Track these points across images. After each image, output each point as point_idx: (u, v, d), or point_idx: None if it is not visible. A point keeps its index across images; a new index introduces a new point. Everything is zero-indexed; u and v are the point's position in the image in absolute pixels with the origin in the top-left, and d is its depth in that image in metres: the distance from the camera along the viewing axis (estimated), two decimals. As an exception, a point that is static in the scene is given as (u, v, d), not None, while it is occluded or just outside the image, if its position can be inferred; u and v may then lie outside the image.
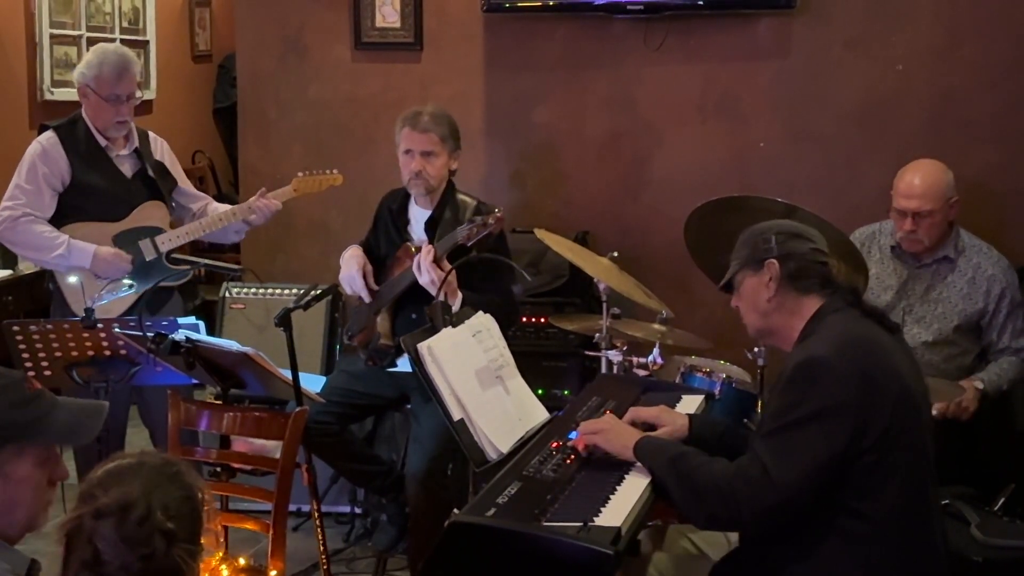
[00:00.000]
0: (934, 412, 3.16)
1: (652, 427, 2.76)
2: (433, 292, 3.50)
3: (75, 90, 4.01)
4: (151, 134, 4.19)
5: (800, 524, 2.41)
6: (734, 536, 2.73)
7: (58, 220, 3.97)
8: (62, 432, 1.95)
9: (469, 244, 3.53)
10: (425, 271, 3.59)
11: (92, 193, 3.98)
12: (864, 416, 2.37)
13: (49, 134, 4.00)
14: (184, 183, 4.25)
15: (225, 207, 4.20)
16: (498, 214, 3.56)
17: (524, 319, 4.43)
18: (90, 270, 3.89)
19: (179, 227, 4.09)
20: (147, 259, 3.98)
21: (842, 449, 2.36)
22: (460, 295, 3.60)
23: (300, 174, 4.18)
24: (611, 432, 2.64)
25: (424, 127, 3.79)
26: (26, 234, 3.93)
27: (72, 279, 3.86)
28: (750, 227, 2.69)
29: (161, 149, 4.18)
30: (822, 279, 2.57)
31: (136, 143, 4.06)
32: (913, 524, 2.45)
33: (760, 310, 2.61)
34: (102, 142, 3.99)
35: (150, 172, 4.06)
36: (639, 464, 2.58)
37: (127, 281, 3.87)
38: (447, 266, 3.55)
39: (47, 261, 3.97)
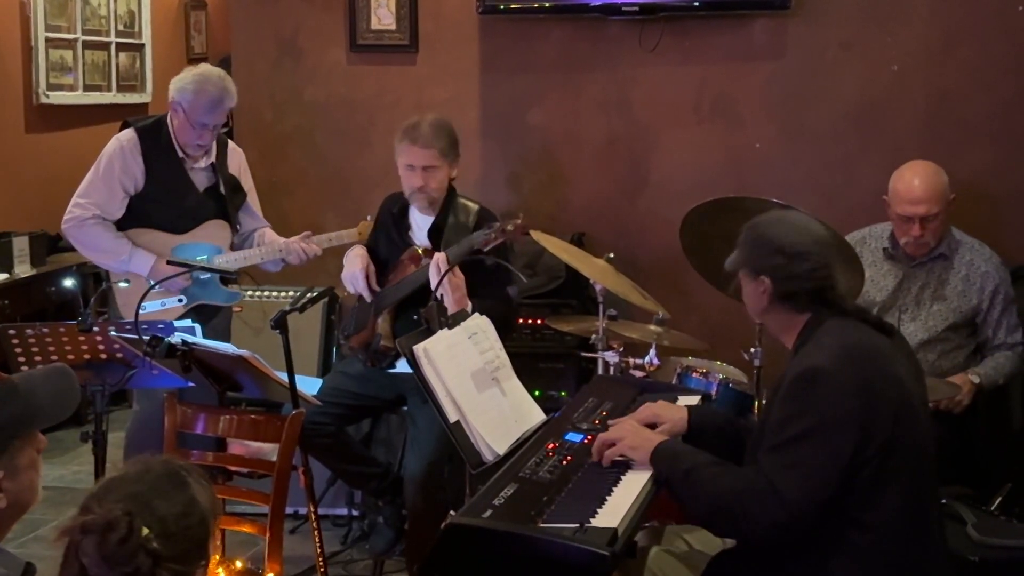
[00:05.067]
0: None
1: (653, 424, 2.74)
2: (451, 297, 3.48)
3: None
4: (231, 144, 4.18)
5: (802, 536, 2.39)
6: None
7: (123, 223, 4.00)
8: (53, 410, 1.96)
9: (486, 249, 3.52)
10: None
11: (161, 203, 4.00)
12: (867, 426, 2.35)
13: (130, 134, 4.01)
14: (252, 200, 4.23)
15: (276, 238, 4.17)
16: (518, 221, 3.53)
17: (520, 320, 4.42)
18: (147, 278, 3.91)
19: (238, 251, 4.09)
20: (202, 277, 3.98)
21: (847, 461, 2.34)
22: (470, 304, 3.59)
23: (368, 218, 4.10)
24: (635, 438, 2.60)
25: (425, 142, 3.76)
26: (91, 236, 3.98)
27: (122, 283, 3.91)
28: (757, 220, 2.63)
29: (238, 162, 4.17)
30: (815, 297, 2.53)
31: (213, 157, 4.05)
32: (913, 530, 2.44)
33: (756, 311, 2.64)
34: (180, 154, 3.99)
35: (222, 188, 4.06)
36: (636, 464, 2.57)
37: (180, 294, 3.94)
38: (457, 271, 3.53)
39: (106, 263, 4.03)
